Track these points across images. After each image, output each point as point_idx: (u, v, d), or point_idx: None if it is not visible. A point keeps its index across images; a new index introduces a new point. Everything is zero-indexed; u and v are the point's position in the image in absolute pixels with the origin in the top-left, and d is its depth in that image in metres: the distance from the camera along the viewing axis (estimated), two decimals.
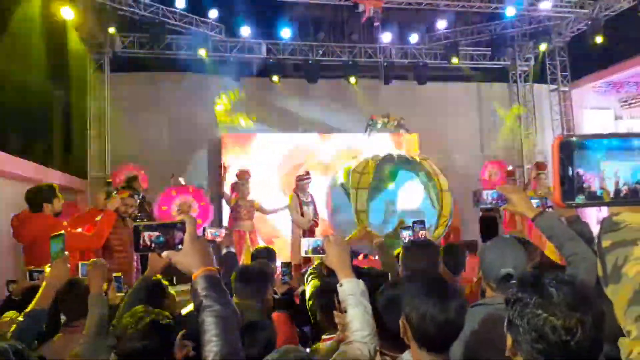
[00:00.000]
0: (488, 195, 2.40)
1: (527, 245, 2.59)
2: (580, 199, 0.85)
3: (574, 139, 0.86)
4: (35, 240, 4.10)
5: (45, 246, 2.49)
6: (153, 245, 1.35)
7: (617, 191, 0.85)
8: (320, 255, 2.02)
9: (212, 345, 1.22)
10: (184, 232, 1.34)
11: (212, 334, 1.23)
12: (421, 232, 3.13)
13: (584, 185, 0.85)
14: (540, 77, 12.72)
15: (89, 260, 4.63)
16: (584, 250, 2.05)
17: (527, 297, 1.21)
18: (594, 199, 0.86)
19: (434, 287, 1.66)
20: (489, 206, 2.46)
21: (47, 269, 2.40)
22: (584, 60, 11.98)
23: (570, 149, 0.85)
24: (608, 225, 0.94)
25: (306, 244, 2.08)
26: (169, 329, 1.92)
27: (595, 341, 1.17)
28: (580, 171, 0.85)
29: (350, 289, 1.82)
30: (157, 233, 1.35)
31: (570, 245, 2.08)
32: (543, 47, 11.74)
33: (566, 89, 12.52)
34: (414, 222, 3.24)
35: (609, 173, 0.85)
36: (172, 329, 1.90)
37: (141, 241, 1.36)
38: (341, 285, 1.85)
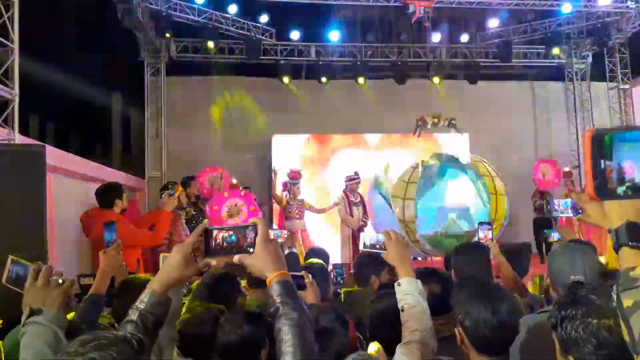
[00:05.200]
0: (560, 204, 2.35)
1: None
2: (621, 190, 0.83)
3: (608, 132, 0.84)
4: (102, 235, 4.31)
5: None
6: (225, 244, 1.35)
7: None
8: (380, 252, 2.00)
9: (289, 356, 1.19)
10: (255, 233, 1.32)
11: (289, 344, 1.20)
12: (485, 233, 3.06)
13: (625, 177, 0.82)
14: (598, 74, 12.23)
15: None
16: None
17: (572, 312, 1.19)
18: (638, 190, 0.83)
19: (483, 291, 1.65)
20: (561, 215, 2.40)
21: (101, 255, 2.51)
22: None
23: (603, 142, 0.83)
24: (625, 282, 0.87)
25: (367, 238, 2.08)
26: (262, 319, 1.91)
27: None
28: (622, 163, 0.82)
29: (408, 288, 1.79)
30: (229, 232, 1.35)
31: None
32: (602, 44, 11.28)
33: (627, 86, 11.97)
34: (479, 224, 3.18)
35: None
36: (264, 320, 1.88)
37: (213, 242, 1.35)
38: (399, 285, 1.82)
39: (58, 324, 1.65)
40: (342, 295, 3.26)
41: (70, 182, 7.44)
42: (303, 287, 2.37)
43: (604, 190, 0.83)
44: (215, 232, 1.37)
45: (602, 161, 0.83)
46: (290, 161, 10.23)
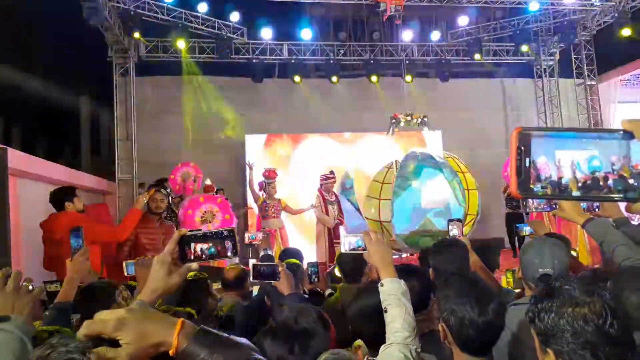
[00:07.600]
0: (535, 200, 2.37)
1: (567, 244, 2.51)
2: (537, 187, 0.83)
3: (534, 130, 0.85)
4: (62, 237, 4.23)
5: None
6: (204, 256, 1.31)
7: (578, 180, 0.83)
8: (362, 252, 1.98)
9: None
10: (234, 240, 1.28)
11: None
12: (459, 230, 3.05)
13: (540, 175, 0.83)
14: (566, 71, 12.49)
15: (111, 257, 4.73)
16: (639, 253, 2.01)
17: (549, 304, 1.20)
18: (555, 188, 0.83)
19: (470, 290, 1.61)
20: (536, 210, 2.43)
21: (68, 263, 2.43)
22: (611, 53, 11.73)
23: (528, 140, 0.83)
24: None
25: (347, 242, 2.08)
26: (233, 323, 1.86)
27: (625, 319, 1.16)
28: (536, 159, 0.83)
29: (391, 289, 1.77)
30: (208, 244, 1.31)
31: (623, 250, 2.02)
32: (568, 41, 11.53)
33: (593, 82, 12.27)
34: (449, 221, 3.17)
35: (564, 162, 0.83)
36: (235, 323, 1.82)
37: (192, 254, 1.31)
38: (382, 285, 1.80)
39: (26, 331, 1.58)
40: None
41: (37, 186, 7.23)
42: (277, 277, 2.39)
43: (526, 187, 0.84)
44: (192, 245, 1.32)
45: (527, 159, 0.83)
46: (264, 161, 10.17)
